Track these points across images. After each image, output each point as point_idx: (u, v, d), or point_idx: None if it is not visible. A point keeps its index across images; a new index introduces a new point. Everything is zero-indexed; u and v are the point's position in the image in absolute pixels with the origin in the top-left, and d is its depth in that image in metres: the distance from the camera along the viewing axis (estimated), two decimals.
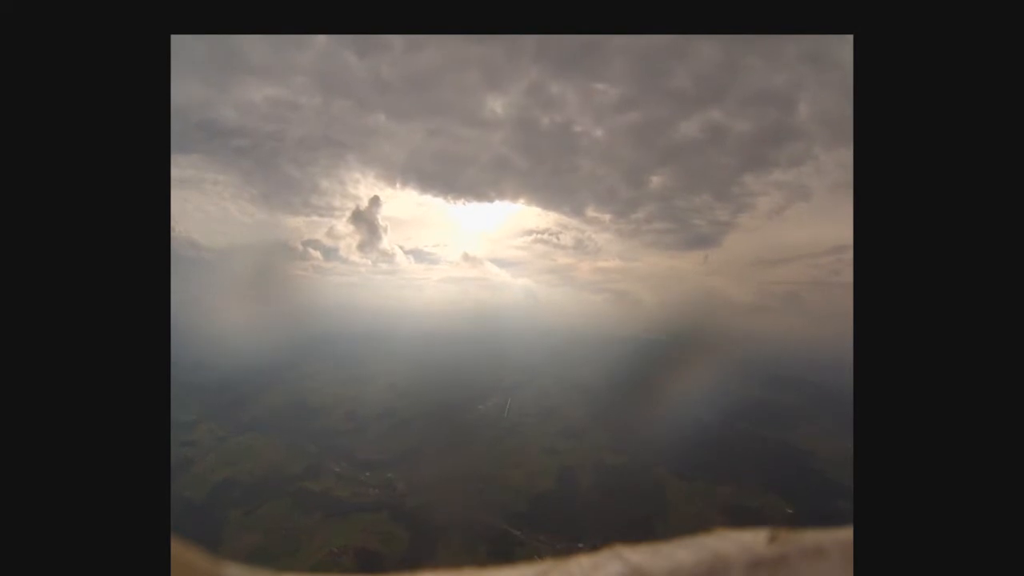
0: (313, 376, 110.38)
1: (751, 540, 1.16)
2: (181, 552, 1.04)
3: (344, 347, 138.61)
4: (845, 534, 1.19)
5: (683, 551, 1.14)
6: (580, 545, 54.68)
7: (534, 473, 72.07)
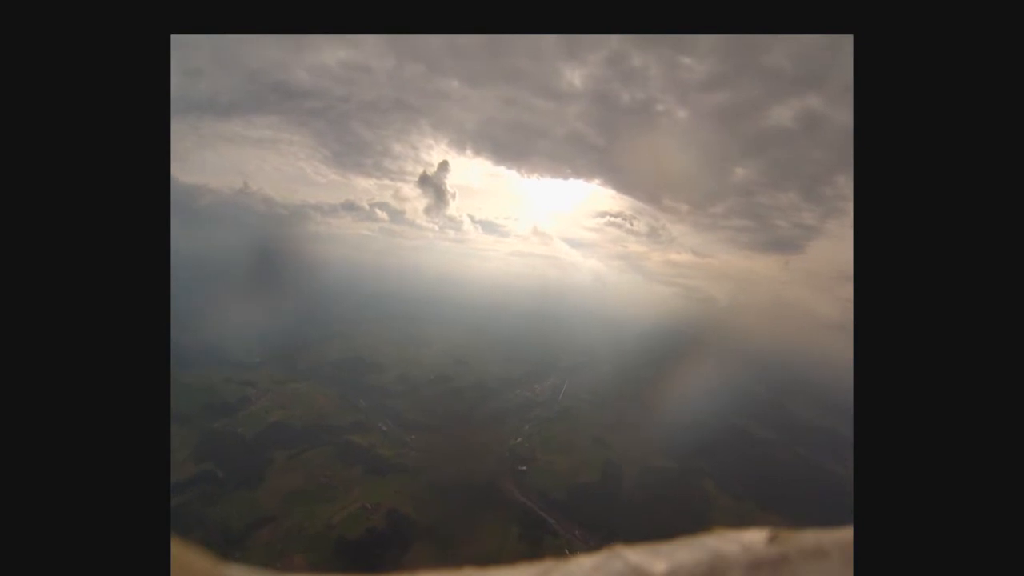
0: (372, 334, 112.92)
1: (751, 540, 1.16)
2: (181, 552, 1.03)
3: (406, 309, 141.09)
4: (845, 534, 1.20)
5: (683, 551, 1.13)
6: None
7: (579, 463, 69.66)
